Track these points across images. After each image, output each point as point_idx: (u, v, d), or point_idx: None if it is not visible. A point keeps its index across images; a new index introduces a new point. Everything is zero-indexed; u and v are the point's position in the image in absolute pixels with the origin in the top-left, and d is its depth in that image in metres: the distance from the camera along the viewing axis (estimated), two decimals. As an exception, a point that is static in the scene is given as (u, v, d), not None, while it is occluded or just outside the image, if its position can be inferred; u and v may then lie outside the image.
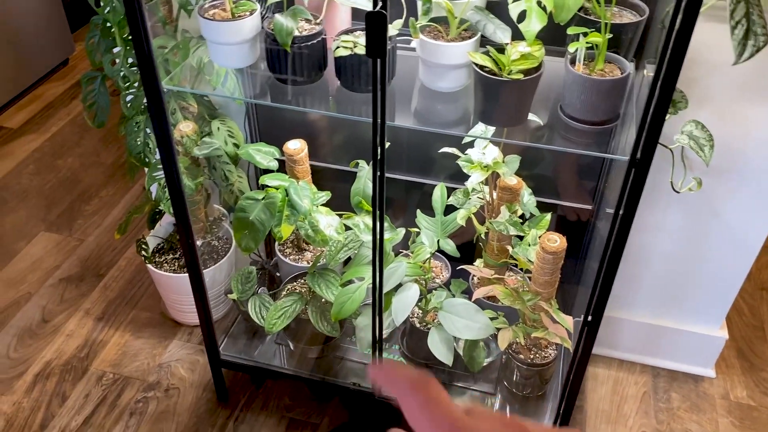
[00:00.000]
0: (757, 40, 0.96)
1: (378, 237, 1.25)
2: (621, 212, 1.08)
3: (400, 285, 1.44)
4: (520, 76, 1.05)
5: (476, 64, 1.07)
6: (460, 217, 1.45)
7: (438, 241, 1.52)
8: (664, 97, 0.93)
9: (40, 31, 2.91)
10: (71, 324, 1.94)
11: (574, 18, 1.12)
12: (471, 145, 1.43)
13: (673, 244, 1.61)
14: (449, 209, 1.50)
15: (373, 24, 0.96)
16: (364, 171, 1.53)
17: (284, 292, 1.62)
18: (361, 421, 1.71)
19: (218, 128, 1.58)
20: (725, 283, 1.64)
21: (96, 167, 2.56)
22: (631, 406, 1.74)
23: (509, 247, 1.47)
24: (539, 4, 1.04)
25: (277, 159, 1.53)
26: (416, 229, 1.52)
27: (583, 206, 1.61)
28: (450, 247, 1.52)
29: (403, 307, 1.41)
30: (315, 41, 1.18)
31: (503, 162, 1.38)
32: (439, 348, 1.47)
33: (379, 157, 1.15)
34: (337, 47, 1.16)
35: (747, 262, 1.59)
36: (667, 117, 1.18)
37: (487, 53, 1.08)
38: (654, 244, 1.62)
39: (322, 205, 1.55)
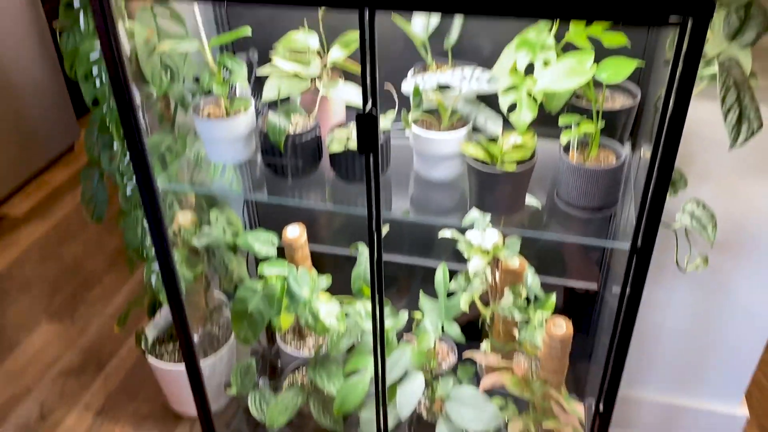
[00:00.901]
0: (751, 124, 0.95)
1: (378, 332, 1.22)
2: (625, 300, 1.05)
3: (406, 373, 1.39)
4: (513, 167, 1.04)
5: (469, 156, 1.06)
6: (463, 302, 1.42)
7: (442, 325, 1.49)
8: (661, 186, 0.92)
9: (46, 118, 2.97)
10: (70, 419, 1.89)
11: (566, 105, 1.13)
12: (471, 226, 1.41)
13: (684, 321, 1.57)
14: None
15: (364, 125, 0.96)
16: (364, 255, 1.51)
17: (285, 384, 1.58)
18: None
19: (216, 218, 1.57)
20: (741, 359, 1.59)
21: (99, 253, 2.55)
22: (653, 491, 1.66)
23: (515, 331, 1.43)
24: (529, 94, 1.04)
25: (276, 245, 1.52)
26: (419, 314, 1.49)
27: (588, 285, 1.58)
28: (455, 331, 1.48)
29: (408, 399, 1.36)
30: (309, 137, 1.19)
31: (504, 245, 1.36)
32: (447, 439, 1.42)
33: (376, 251, 1.14)
34: (331, 142, 1.16)
35: (762, 336, 1.54)
36: (666, 197, 1.17)
37: (479, 144, 1.07)
38: (664, 322, 1.58)
39: (323, 290, 1.52)
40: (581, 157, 1.07)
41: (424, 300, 1.52)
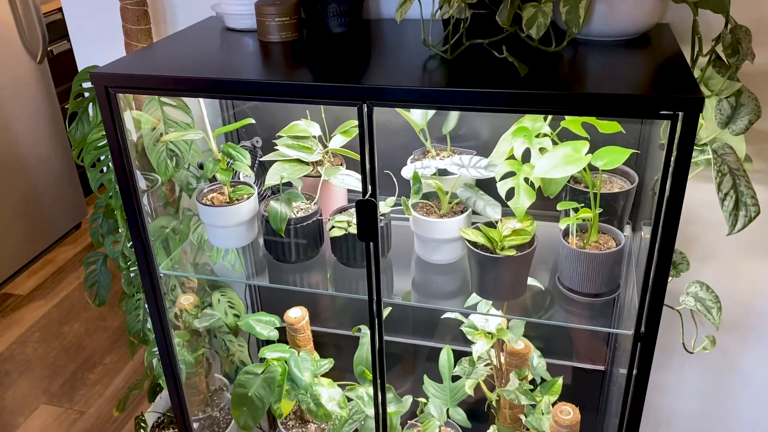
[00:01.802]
0: (748, 210, 0.95)
1: (381, 420, 1.19)
2: (632, 384, 1.03)
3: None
4: (513, 252, 1.04)
5: (469, 241, 1.07)
6: (468, 386, 1.40)
7: (447, 410, 1.46)
8: (662, 271, 0.92)
9: (55, 197, 3.01)
10: None
11: (564, 188, 1.14)
12: (474, 307, 1.40)
13: (696, 403, 1.53)
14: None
15: (363, 212, 0.97)
16: (367, 338, 1.49)
17: (287, 472, 1.53)
18: None
19: (219, 300, 1.56)
20: (757, 442, 1.54)
21: (101, 332, 2.53)
22: None
23: (522, 416, 1.40)
24: (526, 180, 1.06)
25: (277, 327, 1.51)
26: (423, 399, 1.46)
27: (595, 365, 1.55)
28: (460, 416, 1.45)
29: (413, 488, 1.32)
30: (310, 221, 1.20)
31: (508, 328, 1.34)
32: None
33: (377, 337, 1.13)
34: (332, 227, 1.17)
35: (777, 419, 1.49)
36: (669, 280, 1.17)
37: (478, 229, 1.08)
38: (675, 404, 1.54)
39: (325, 374, 1.50)
40: (581, 242, 1.07)
41: (428, 384, 1.49)
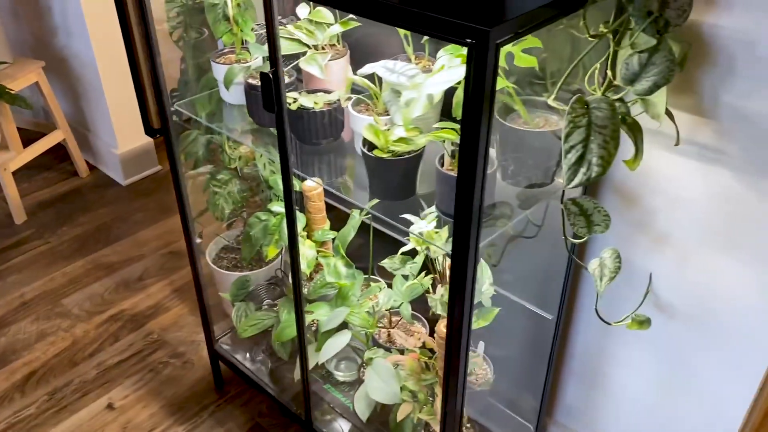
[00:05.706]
0: (590, 168, 0.91)
1: (296, 274, 1.37)
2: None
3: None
4: (391, 155, 1.12)
5: (365, 139, 1.16)
6: (405, 286, 1.50)
7: (401, 304, 1.58)
8: (464, 224, 0.94)
9: None
10: (155, 287, 2.36)
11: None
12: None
13: (650, 390, 1.44)
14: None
15: (264, 83, 1.13)
16: (354, 220, 1.66)
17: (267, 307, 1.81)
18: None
19: (261, 155, 1.84)
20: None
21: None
22: None
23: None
24: (429, 97, 1.10)
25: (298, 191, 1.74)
26: (379, 285, 1.60)
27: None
28: (406, 312, 1.57)
29: (329, 349, 1.51)
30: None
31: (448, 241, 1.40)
32: (360, 402, 1.54)
33: (289, 208, 1.30)
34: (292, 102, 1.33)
35: (731, 424, 1.35)
36: (584, 238, 1.15)
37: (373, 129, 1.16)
38: (629, 384, 1.47)
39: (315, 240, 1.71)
40: (452, 165, 1.10)
41: (397, 279, 1.62)
